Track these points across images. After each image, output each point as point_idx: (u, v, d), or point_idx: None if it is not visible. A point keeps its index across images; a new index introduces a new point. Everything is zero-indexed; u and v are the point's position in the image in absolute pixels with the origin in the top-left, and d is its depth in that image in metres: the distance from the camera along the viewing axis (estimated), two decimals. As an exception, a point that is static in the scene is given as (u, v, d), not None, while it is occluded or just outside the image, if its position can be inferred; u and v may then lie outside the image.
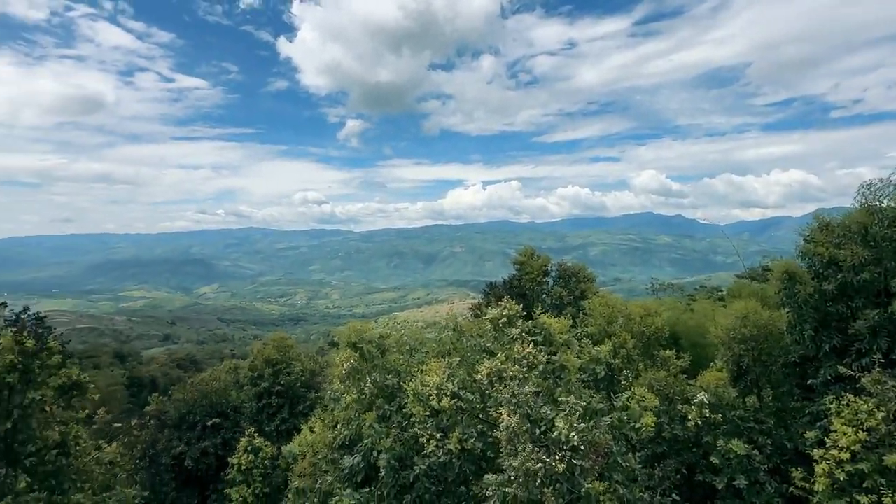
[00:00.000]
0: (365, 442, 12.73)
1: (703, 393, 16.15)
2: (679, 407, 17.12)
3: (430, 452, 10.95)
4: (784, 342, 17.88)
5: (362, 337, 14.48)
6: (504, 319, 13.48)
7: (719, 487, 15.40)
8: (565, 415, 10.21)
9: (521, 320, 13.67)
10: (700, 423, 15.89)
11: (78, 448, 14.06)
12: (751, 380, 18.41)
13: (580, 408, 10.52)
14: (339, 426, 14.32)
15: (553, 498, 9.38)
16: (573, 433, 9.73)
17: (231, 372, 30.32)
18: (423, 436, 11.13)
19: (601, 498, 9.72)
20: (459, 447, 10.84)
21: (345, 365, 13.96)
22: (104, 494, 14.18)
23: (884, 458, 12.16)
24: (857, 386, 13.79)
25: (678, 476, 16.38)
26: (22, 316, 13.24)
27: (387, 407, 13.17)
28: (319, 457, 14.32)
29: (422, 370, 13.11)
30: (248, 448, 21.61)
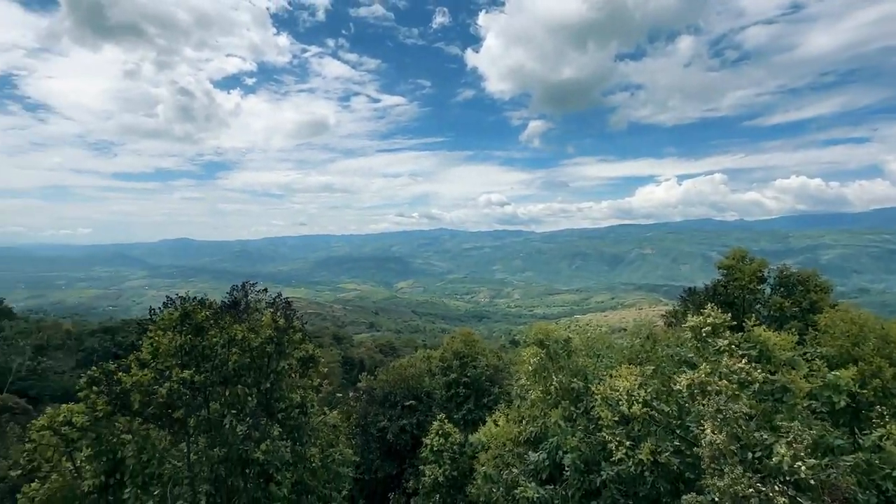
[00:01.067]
0: (551, 440, 12.76)
1: None
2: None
3: (619, 460, 10.44)
4: None
5: (549, 336, 14.53)
6: (708, 328, 12.04)
7: None
8: (787, 442, 8.69)
9: (728, 331, 12.04)
10: None
11: (311, 410, 17.17)
12: None
13: (809, 437, 8.83)
14: (524, 422, 14.63)
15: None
16: (799, 464, 8.23)
17: (425, 360, 33.33)
18: (611, 441, 10.68)
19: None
20: (652, 459, 10.09)
21: (531, 360, 14.20)
22: (330, 450, 17.10)
23: None
24: None
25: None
26: (276, 300, 16.72)
27: (572, 409, 12.98)
28: (506, 449, 14.83)
29: (611, 375, 12.56)
30: (439, 431, 23.49)
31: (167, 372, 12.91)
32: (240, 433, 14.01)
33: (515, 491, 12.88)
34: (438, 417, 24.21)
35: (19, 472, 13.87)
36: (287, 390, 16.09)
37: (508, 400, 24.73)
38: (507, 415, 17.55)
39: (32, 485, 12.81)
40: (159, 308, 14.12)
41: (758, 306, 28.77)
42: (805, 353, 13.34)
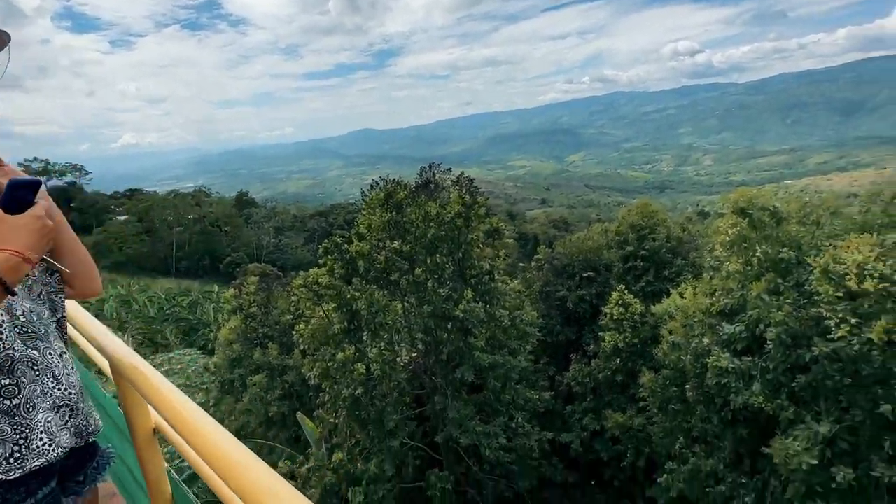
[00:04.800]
0: (750, 313, 12.03)
1: None
2: None
3: (839, 337, 9.44)
4: None
5: (753, 202, 12.92)
6: None
7: None
8: None
9: None
10: None
11: (498, 277, 18.86)
12: None
13: None
14: (717, 294, 13.90)
15: None
16: None
17: (602, 234, 32.83)
18: (829, 318, 9.62)
19: None
20: (885, 338, 8.89)
21: (730, 232, 13.00)
22: (516, 312, 18.95)
23: None
24: None
25: None
26: (460, 178, 17.88)
27: (780, 281, 11.80)
28: (695, 319, 14.49)
29: (834, 245, 10.87)
30: (619, 301, 23.77)
31: (380, 243, 15.44)
32: (441, 294, 16.36)
33: (707, 360, 12.77)
34: (618, 288, 24.35)
35: (290, 316, 18.68)
36: (477, 259, 17.79)
37: (696, 272, 23.39)
38: (696, 287, 16.79)
39: (300, 325, 17.19)
40: (367, 190, 16.49)
41: None
42: None
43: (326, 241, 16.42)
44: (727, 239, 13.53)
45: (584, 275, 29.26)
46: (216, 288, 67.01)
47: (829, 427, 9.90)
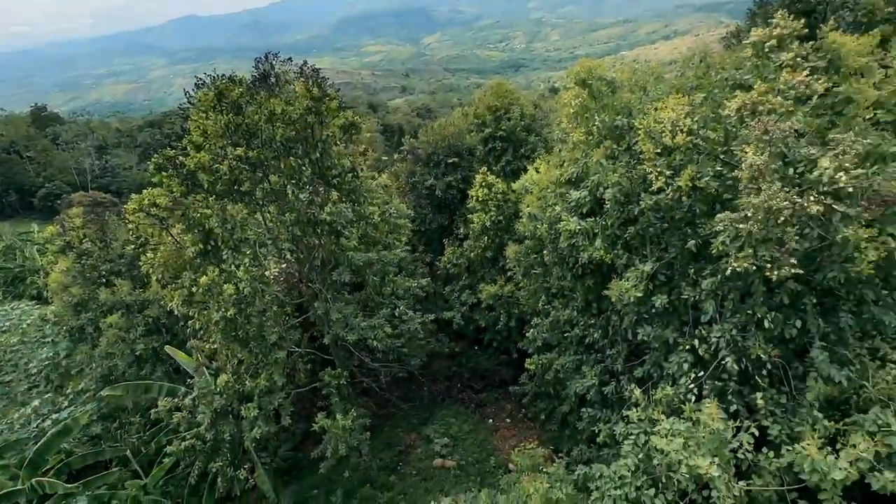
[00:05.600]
0: (592, 178, 13.29)
1: None
2: None
3: (658, 189, 10.94)
4: None
5: (592, 73, 13.65)
6: (772, 42, 10.79)
7: None
8: (834, 154, 8.64)
9: (796, 42, 10.77)
10: None
11: (363, 174, 18.25)
12: None
13: (860, 147, 8.68)
14: (565, 164, 15.06)
15: (796, 239, 8.80)
16: (841, 174, 8.34)
17: (462, 118, 32.99)
18: (651, 173, 11.00)
19: (862, 245, 8.70)
20: (691, 185, 10.49)
21: (573, 103, 13.76)
22: (385, 206, 18.85)
23: None
24: None
25: None
26: (304, 69, 16.07)
27: (615, 147, 13.05)
28: (549, 191, 15.71)
29: (656, 108, 12.11)
30: (482, 183, 24.84)
31: (223, 151, 13.70)
32: (303, 199, 15.46)
33: (558, 226, 14.16)
34: (480, 171, 25.23)
35: (132, 245, 16.49)
36: (336, 157, 16.84)
37: (548, 147, 24.91)
38: (549, 161, 18.00)
39: (146, 255, 15.32)
40: (193, 90, 14.10)
41: (844, 11, 24.88)
42: (887, 58, 12.00)
43: (156, 155, 14.14)
44: (571, 111, 14.36)
45: (449, 161, 29.68)
46: (35, 227, 56.69)
47: (651, 265, 11.89)
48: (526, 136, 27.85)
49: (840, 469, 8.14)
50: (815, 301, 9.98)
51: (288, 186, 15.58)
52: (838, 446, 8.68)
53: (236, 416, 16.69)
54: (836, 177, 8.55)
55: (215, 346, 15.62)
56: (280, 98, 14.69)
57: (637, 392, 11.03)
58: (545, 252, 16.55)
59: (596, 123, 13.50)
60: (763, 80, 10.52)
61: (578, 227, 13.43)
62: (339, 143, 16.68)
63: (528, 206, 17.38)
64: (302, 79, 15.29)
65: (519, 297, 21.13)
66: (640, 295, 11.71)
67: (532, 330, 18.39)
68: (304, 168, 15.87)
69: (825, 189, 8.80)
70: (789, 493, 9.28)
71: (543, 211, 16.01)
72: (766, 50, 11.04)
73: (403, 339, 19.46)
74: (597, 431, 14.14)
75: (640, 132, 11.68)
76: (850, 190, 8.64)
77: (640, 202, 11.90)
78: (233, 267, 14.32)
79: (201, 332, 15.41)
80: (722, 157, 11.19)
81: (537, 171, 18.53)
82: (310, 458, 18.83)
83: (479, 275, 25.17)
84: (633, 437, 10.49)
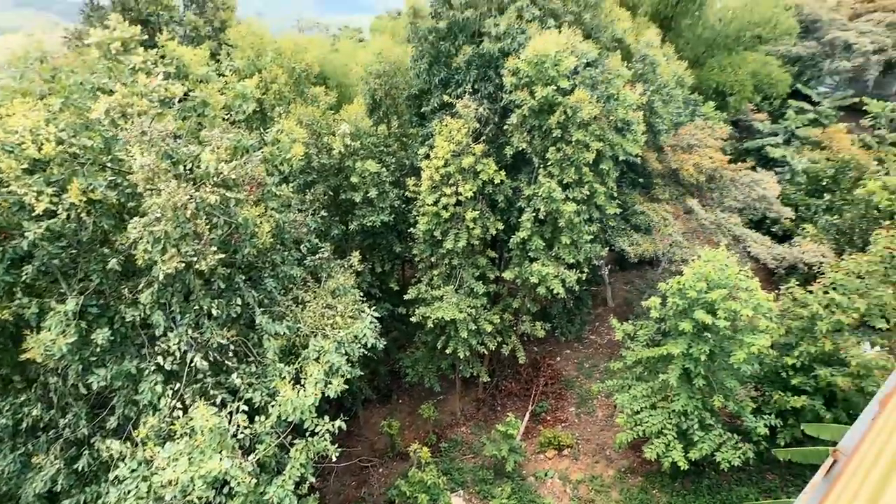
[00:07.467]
0: None
1: (345, 125, 17.86)
2: (326, 139, 18.70)
3: (44, 212, 8.99)
4: (408, 76, 20.71)
5: None
6: (117, 44, 10.62)
7: (357, 200, 18.71)
8: (211, 149, 9.76)
9: (141, 48, 11.09)
10: (343, 151, 17.99)
11: None
12: (382, 111, 21.24)
13: (228, 142, 10.17)
14: None
15: (208, 228, 9.55)
16: (223, 166, 9.56)
17: None
18: (26, 194, 8.85)
19: (258, 221, 10.47)
20: (85, 199, 9.25)
21: None
22: None
23: (462, 161, 16.90)
24: (454, 111, 17.77)
25: (326, 197, 18.97)
26: None
27: None
28: None
29: (0, 116, 9.65)
30: None
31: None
32: None
33: None
34: None
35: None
36: None
37: None
38: None
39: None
40: None
41: (174, 26, 27.67)
42: (220, 69, 14.30)
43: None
44: None
45: None
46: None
47: (75, 301, 9.94)
48: None
49: (309, 395, 10.08)
50: (244, 278, 11.39)
51: None
52: (302, 380, 10.66)
53: None
54: (220, 168, 9.70)
55: None
56: None
57: (115, 446, 9.43)
58: None
59: None
60: (122, 83, 10.29)
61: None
62: None
63: None
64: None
65: None
66: (73, 339, 9.67)
67: None
68: None
69: (215, 180, 9.85)
70: (286, 436, 10.76)
71: None
72: (114, 53, 10.79)
73: None
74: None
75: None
76: (234, 177, 10.06)
77: (27, 233, 9.48)
78: None
79: None
80: (109, 165, 10.41)
81: None
82: None
83: None
84: (131, 493, 9.03)
